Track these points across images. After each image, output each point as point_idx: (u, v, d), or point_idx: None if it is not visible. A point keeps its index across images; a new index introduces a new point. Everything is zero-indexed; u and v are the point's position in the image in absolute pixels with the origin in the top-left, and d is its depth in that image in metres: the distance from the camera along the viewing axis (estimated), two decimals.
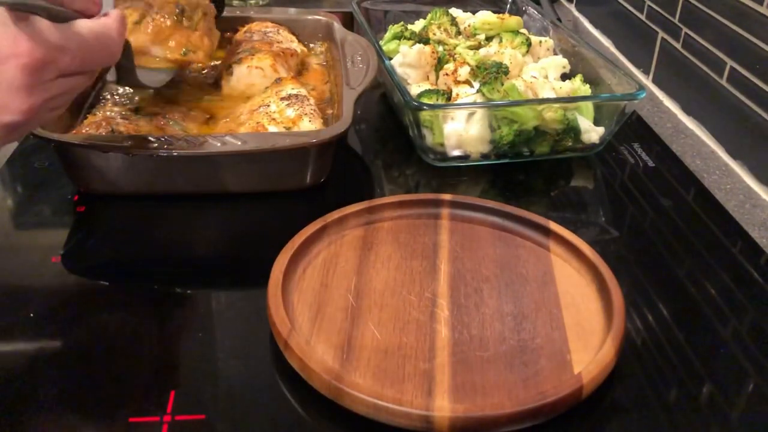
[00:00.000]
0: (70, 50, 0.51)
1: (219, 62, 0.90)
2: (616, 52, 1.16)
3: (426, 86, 0.86)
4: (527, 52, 0.93)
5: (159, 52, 0.75)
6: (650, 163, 0.84)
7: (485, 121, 0.78)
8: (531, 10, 1.06)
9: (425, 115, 0.78)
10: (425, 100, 0.81)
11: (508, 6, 1.11)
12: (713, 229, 0.72)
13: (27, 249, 0.67)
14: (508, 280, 0.61)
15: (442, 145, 0.79)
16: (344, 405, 0.49)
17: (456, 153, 0.80)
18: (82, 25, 0.52)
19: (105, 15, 0.55)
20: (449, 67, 0.86)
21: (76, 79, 0.54)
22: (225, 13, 1.02)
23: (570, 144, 0.82)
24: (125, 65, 0.60)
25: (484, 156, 0.81)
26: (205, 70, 0.90)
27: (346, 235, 0.65)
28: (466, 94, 0.82)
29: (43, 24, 0.49)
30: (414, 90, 0.85)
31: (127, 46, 0.59)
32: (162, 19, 0.74)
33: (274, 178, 0.72)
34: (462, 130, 0.78)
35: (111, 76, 0.70)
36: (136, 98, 0.80)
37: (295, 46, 0.94)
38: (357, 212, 0.67)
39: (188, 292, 0.62)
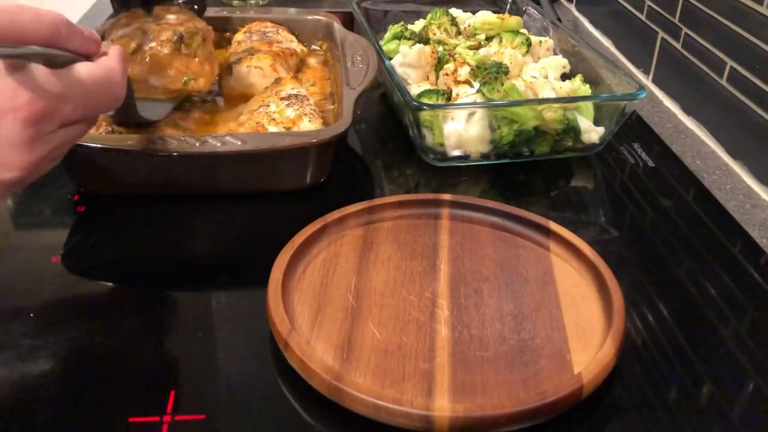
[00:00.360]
0: (71, 99, 0.48)
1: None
2: (616, 52, 1.16)
3: (426, 86, 0.86)
4: (527, 52, 0.93)
5: (158, 83, 0.71)
6: (650, 163, 0.84)
7: (485, 121, 0.78)
8: (531, 10, 1.06)
9: (425, 115, 0.78)
10: (425, 100, 0.81)
11: (508, 6, 1.11)
12: (713, 229, 0.72)
13: (27, 249, 0.67)
14: (508, 280, 0.61)
15: (442, 145, 0.79)
16: (344, 405, 0.49)
17: (456, 153, 0.80)
18: (83, 70, 0.49)
19: (104, 54, 0.52)
20: (449, 67, 0.86)
21: (78, 127, 0.51)
22: (225, 13, 1.03)
23: (570, 144, 0.82)
24: (125, 102, 0.55)
25: (484, 156, 0.81)
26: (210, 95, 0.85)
27: (346, 235, 0.65)
28: (466, 94, 0.82)
29: (41, 72, 0.46)
30: (414, 90, 0.85)
31: (128, 83, 0.55)
32: (160, 48, 0.71)
33: (274, 178, 0.72)
34: (462, 130, 0.78)
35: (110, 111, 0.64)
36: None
37: (295, 45, 0.94)
38: (357, 212, 0.67)
39: (188, 292, 0.62)
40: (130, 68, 0.68)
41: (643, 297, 0.62)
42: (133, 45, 0.70)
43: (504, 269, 0.62)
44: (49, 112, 0.46)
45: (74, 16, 1.19)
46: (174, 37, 0.71)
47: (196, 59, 0.72)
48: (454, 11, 1.03)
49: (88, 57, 0.51)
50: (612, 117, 0.81)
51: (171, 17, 0.76)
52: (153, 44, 0.71)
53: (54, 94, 0.46)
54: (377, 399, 0.48)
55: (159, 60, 0.71)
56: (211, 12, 1.02)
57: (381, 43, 0.96)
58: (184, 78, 0.71)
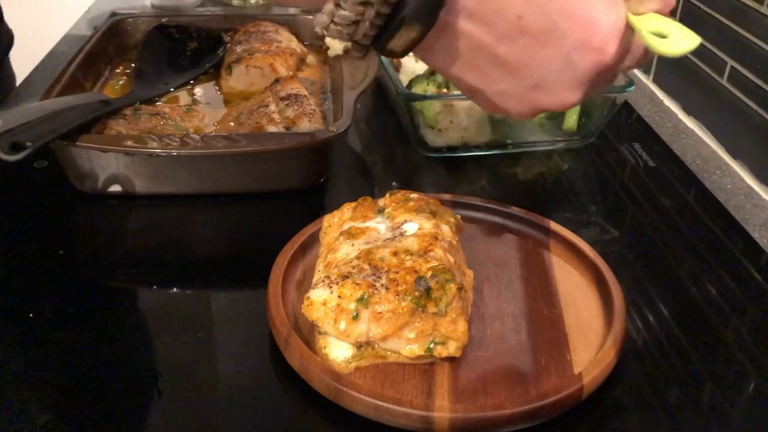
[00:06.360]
0: (629, 56, 0.47)
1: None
2: None
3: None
4: None
5: (391, 345, 0.52)
6: (651, 163, 0.84)
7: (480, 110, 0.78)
8: None
9: (419, 105, 0.78)
10: (416, 86, 0.80)
11: None
12: (714, 229, 0.72)
13: (27, 248, 0.67)
14: (508, 280, 0.61)
15: (436, 129, 0.80)
16: (344, 405, 0.49)
17: (449, 144, 0.81)
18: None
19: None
20: None
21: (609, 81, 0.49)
22: (224, 13, 1.03)
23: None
24: None
25: (477, 147, 0.81)
26: None
27: None
28: None
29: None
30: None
31: None
32: (396, 304, 0.51)
33: (274, 178, 0.72)
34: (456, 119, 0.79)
35: None
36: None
37: (295, 45, 0.94)
38: None
39: (188, 292, 0.62)
40: (351, 327, 0.51)
41: (644, 297, 0.62)
42: (358, 293, 0.51)
43: (504, 269, 0.62)
44: (616, 65, 0.46)
45: (74, 16, 1.19)
46: (417, 291, 0.50)
47: (447, 317, 0.51)
48: None
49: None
50: (602, 109, 0.82)
51: (410, 227, 0.56)
52: (385, 299, 0.51)
53: (625, 50, 0.46)
54: (377, 399, 0.48)
55: (394, 320, 0.51)
56: (211, 12, 1.02)
57: None
58: (429, 344, 0.52)
